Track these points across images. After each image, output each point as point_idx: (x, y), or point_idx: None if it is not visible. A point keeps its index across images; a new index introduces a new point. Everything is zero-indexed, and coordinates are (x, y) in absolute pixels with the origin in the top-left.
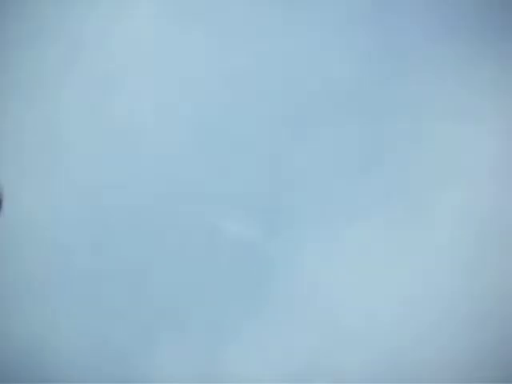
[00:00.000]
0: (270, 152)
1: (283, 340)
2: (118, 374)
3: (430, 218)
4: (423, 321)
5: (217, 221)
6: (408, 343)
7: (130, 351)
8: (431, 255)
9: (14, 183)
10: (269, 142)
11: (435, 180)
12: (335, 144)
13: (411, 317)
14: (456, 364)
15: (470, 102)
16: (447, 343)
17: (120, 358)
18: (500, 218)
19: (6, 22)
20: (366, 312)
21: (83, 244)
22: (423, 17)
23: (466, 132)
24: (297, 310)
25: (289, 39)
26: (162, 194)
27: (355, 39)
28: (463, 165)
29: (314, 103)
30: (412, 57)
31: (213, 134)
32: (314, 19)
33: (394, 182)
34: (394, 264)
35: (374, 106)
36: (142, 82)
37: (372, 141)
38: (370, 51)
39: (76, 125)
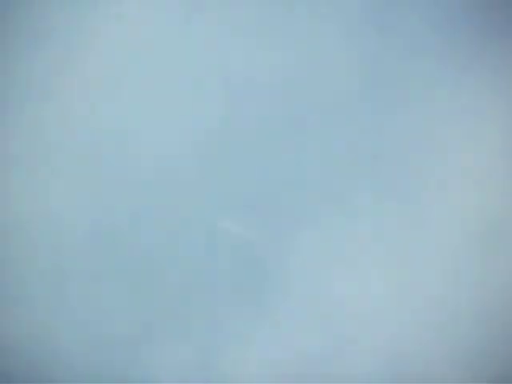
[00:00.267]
0: (270, 152)
1: (283, 340)
2: (117, 373)
3: (430, 218)
4: (423, 321)
5: (216, 221)
6: (408, 343)
7: (130, 351)
8: (431, 255)
9: (15, 183)
10: (268, 142)
11: (435, 180)
12: (335, 144)
13: (411, 317)
14: (456, 364)
15: (470, 101)
16: (447, 343)
17: (120, 358)
18: (500, 218)
19: (5, 22)
20: (365, 312)
21: (83, 244)
22: (423, 17)
23: (466, 132)
24: (296, 310)
25: (289, 39)
26: (162, 195)
27: (356, 39)
28: (463, 165)
29: (314, 103)
30: (412, 57)
31: (212, 134)
32: (315, 19)
33: (394, 182)
34: (394, 264)
35: (374, 106)
36: (141, 83)
37: (372, 141)
38: (370, 51)
39: (75, 125)
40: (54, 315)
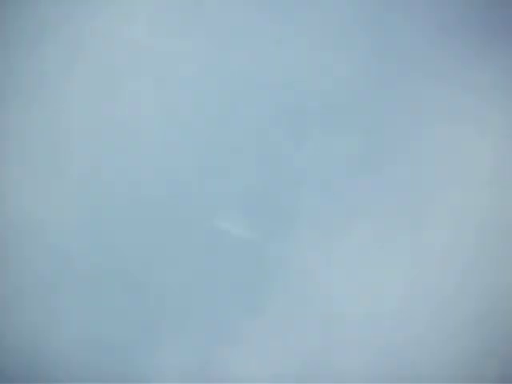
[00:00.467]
0: (270, 152)
1: (283, 340)
2: (117, 373)
3: (430, 218)
4: (423, 321)
5: (216, 221)
6: (408, 343)
7: (130, 351)
8: (431, 255)
9: (15, 183)
10: (268, 141)
11: (435, 180)
12: (335, 144)
13: (411, 317)
14: (456, 364)
15: (470, 102)
16: (447, 343)
17: (120, 358)
18: (500, 218)
19: (7, 22)
20: (365, 312)
21: (83, 244)
22: (423, 17)
23: (466, 132)
24: (296, 310)
25: (289, 39)
26: (162, 195)
27: (356, 40)
28: (463, 165)
29: (314, 103)
30: (412, 57)
31: (212, 133)
32: (314, 19)
33: (394, 182)
34: (394, 264)
35: (374, 107)
36: (143, 83)
37: (372, 141)
38: (370, 52)
39: (77, 125)
40: (54, 315)
